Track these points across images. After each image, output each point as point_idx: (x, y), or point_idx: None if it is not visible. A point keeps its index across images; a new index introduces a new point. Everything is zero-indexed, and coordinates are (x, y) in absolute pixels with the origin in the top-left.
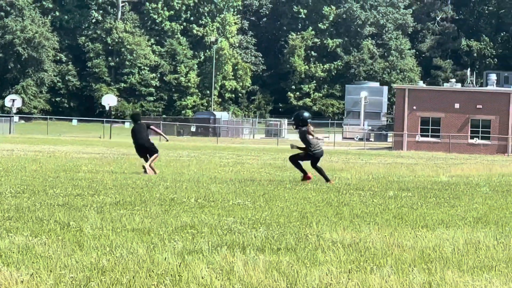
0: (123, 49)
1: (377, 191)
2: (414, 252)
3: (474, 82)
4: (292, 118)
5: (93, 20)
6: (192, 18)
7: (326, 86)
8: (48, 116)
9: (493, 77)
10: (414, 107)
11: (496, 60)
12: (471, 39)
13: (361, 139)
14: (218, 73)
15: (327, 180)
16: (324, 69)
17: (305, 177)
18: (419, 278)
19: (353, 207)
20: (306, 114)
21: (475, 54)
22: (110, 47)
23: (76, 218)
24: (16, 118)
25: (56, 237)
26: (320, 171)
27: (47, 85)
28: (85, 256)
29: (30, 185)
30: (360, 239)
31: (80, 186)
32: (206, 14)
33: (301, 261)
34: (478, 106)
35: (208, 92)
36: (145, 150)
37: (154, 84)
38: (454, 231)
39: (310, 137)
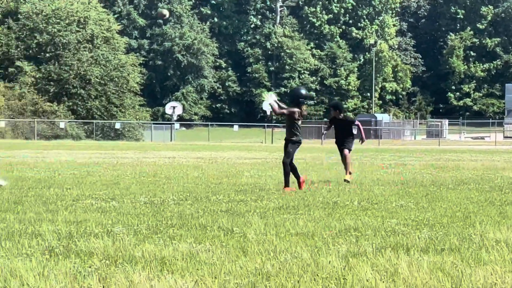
0: (282, 54)
1: None
2: None
3: None
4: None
5: (252, 26)
6: (350, 21)
7: (486, 85)
8: (209, 123)
9: None
10: None
11: None
12: None
13: None
14: (378, 75)
15: (286, 185)
16: (483, 68)
17: (300, 184)
18: None
19: None
20: (302, 91)
21: None
22: (269, 52)
23: (239, 224)
24: (177, 125)
25: (220, 243)
26: (294, 170)
27: (207, 91)
28: (249, 261)
29: (193, 192)
30: None
31: (243, 191)
32: (364, 17)
33: (465, 261)
34: None
35: (368, 94)
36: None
37: (314, 88)
38: None
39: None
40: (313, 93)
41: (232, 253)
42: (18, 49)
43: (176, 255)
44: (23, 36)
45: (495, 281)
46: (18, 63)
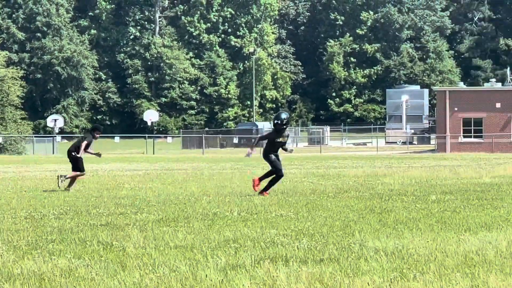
0: (162, 64)
1: (420, 196)
2: (457, 257)
3: None
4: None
5: (131, 37)
6: (229, 30)
7: (367, 91)
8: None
9: None
10: (456, 109)
11: None
12: (509, 38)
13: (404, 143)
14: (258, 83)
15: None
16: (364, 74)
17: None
18: (462, 284)
19: (396, 213)
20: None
21: None
22: (149, 63)
23: (119, 238)
24: (58, 138)
25: (99, 258)
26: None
27: (88, 103)
28: (127, 276)
29: (73, 205)
30: (403, 246)
31: (123, 204)
32: (243, 25)
33: (344, 271)
34: None
35: (249, 102)
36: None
37: (194, 97)
38: (497, 233)
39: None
40: (193, 103)
41: (111, 268)
42: None
43: (55, 271)
44: None
45: None
46: None
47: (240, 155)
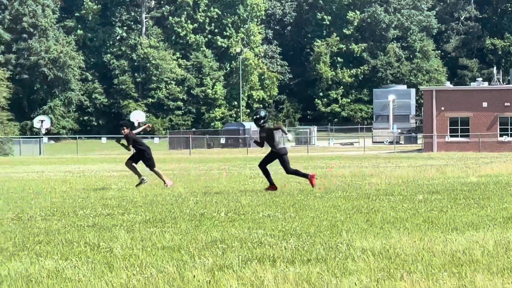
0: (148, 65)
1: (407, 196)
2: (444, 257)
3: (501, 80)
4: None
5: (118, 37)
6: (216, 30)
7: (353, 91)
8: (77, 136)
9: None
10: (442, 108)
11: None
12: (495, 37)
13: (391, 143)
14: (244, 83)
15: (306, 177)
16: (351, 74)
17: (270, 187)
18: (449, 283)
19: (383, 213)
20: (262, 112)
21: (500, 52)
22: (136, 63)
23: (106, 239)
24: (45, 139)
25: (86, 259)
26: (296, 172)
27: (74, 104)
28: (115, 277)
29: (60, 207)
30: (390, 246)
31: (110, 205)
32: (230, 25)
33: (331, 271)
34: (506, 104)
35: (236, 103)
36: None
37: (181, 98)
38: (484, 232)
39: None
40: (180, 103)
41: (98, 269)
42: None
43: (42, 272)
44: None
45: None
46: None
47: (228, 156)
